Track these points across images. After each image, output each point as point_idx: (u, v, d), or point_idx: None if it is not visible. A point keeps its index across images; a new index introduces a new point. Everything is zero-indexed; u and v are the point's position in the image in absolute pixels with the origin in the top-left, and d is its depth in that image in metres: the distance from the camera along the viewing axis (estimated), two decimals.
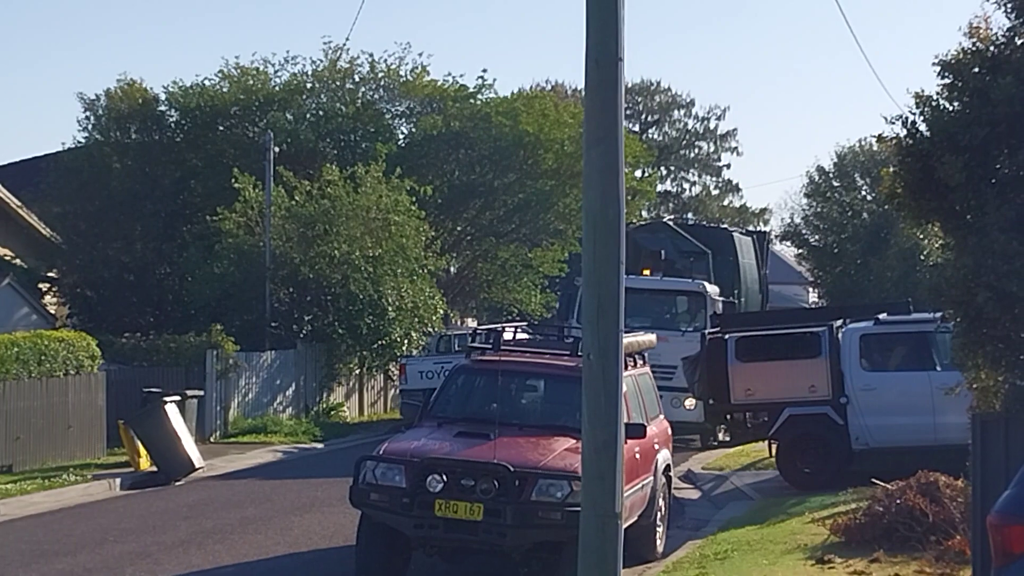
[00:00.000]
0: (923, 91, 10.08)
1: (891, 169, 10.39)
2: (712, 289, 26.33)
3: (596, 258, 10.95)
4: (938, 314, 17.35)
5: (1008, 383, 9.84)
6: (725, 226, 37.79)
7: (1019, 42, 9.86)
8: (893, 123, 10.06)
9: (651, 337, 17.02)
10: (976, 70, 9.79)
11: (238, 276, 31.26)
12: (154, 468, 21.51)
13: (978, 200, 9.60)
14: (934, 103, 9.97)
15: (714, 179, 65.35)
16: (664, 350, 22.28)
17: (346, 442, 28.26)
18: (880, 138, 10.33)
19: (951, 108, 9.88)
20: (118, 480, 20.99)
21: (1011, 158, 9.46)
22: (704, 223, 48.28)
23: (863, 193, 43.17)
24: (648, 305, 25.18)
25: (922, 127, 9.98)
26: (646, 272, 26.66)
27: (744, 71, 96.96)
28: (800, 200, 48.42)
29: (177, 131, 38.16)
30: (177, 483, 21.11)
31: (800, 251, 47.96)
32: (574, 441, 12.57)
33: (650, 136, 62.72)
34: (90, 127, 38.24)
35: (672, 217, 35.27)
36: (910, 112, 10.06)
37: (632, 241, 25.95)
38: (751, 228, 40.52)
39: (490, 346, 14.96)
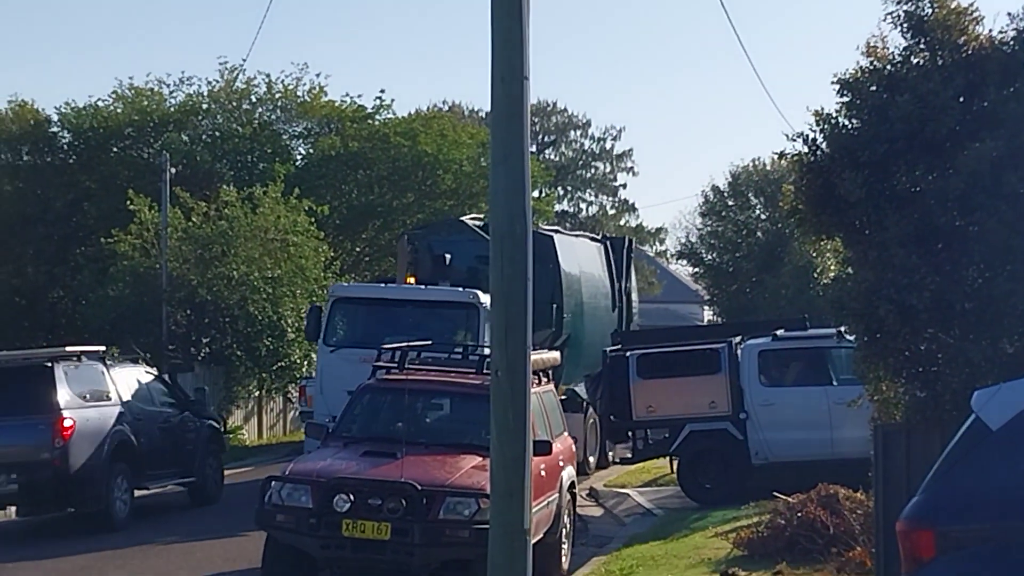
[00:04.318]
0: (822, 109, 10.29)
1: (791, 186, 10.58)
2: (489, 299, 22.78)
3: (504, 275, 10.97)
4: (837, 329, 17.73)
5: (908, 394, 10.05)
6: (546, 228, 29.19)
7: (915, 61, 10.11)
8: (794, 140, 10.27)
9: (555, 354, 17.11)
10: (874, 88, 10.01)
11: (134, 299, 30.85)
12: None
13: (878, 215, 9.81)
14: (833, 120, 10.18)
15: (610, 199, 66.01)
16: None
17: (245, 465, 27.96)
18: (781, 155, 10.53)
19: (850, 125, 10.10)
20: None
21: (909, 174, 9.69)
22: None
23: (757, 212, 43.89)
24: (415, 319, 20.83)
25: (822, 144, 10.18)
26: (410, 280, 22.81)
27: (639, 92, 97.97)
28: (695, 219, 49.15)
29: (70, 153, 37.66)
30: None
31: (696, 270, 48.59)
32: (481, 459, 12.58)
33: (547, 156, 63.13)
34: None
35: (472, 216, 28.19)
36: (810, 129, 10.26)
37: (426, 244, 23.97)
38: (606, 234, 33.50)
39: (395, 365, 14.93)
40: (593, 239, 28.71)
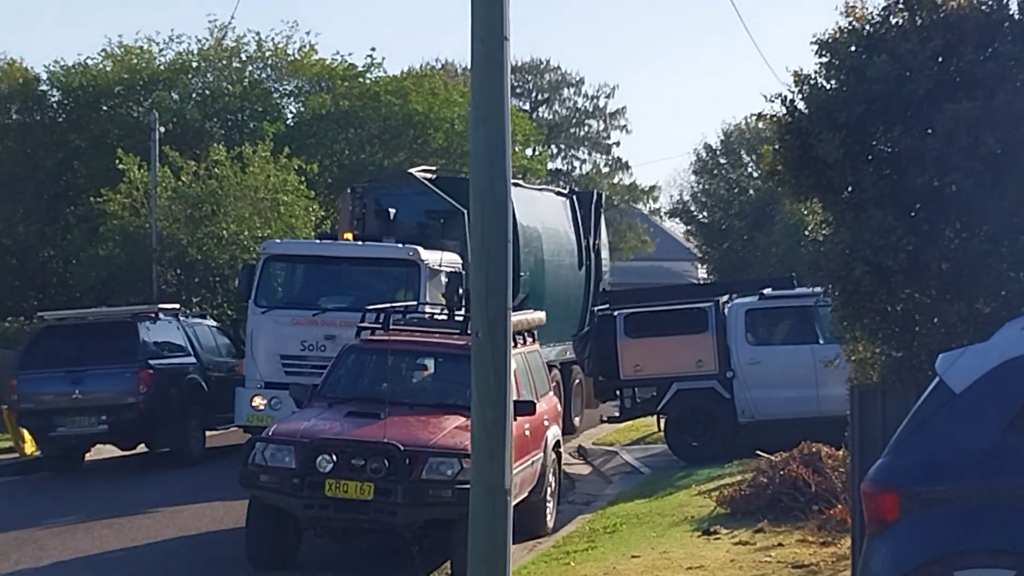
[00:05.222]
0: (801, 70, 10.27)
1: (771, 147, 10.57)
2: (432, 256, 20.10)
3: (484, 235, 10.97)
4: (818, 288, 17.80)
5: (884, 355, 10.08)
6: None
7: (894, 21, 10.09)
8: (772, 101, 10.25)
9: (540, 315, 17.11)
10: (852, 49, 9.99)
11: (124, 258, 30.84)
12: (39, 453, 21.22)
13: (855, 176, 9.81)
14: (812, 81, 10.15)
15: (604, 157, 65.78)
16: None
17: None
18: (760, 116, 10.51)
19: (828, 86, 10.07)
20: (3, 466, 20.67)
21: (886, 135, 9.68)
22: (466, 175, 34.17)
23: (749, 170, 43.88)
24: (353, 278, 19.94)
25: (800, 105, 10.17)
26: (348, 236, 21.29)
27: (632, 49, 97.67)
28: (688, 177, 49.22)
29: (59, 111, 37.55)
30: (150, 447, 20.99)
31: (688, 227, 48.67)
32: (464, 419, 12.62)
33: (540, 115, 62.94)
34: None
35: (422, 168, 25.33)
36: (789, 90, 10.25)
37: (372, 198, 22.85)
38: (575, 188, 30.77)
39: (380, 325, 14.96)
40: (559, 193, 27.01)
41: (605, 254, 27.74)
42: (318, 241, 22.41)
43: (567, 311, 24.59)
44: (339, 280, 19.92)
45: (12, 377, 20.70)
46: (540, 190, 26.45)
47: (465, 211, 21.13)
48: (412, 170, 24.16)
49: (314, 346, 19.06)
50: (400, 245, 20.40)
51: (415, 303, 17.73)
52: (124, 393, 20.13)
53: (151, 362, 20.52)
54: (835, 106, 9.89)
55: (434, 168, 26.37)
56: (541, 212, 24.53)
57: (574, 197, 26.65)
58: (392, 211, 22.10)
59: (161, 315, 21.74)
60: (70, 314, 22.11)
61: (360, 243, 20.83)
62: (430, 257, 20.04)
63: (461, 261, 20.51)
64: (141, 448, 22.42)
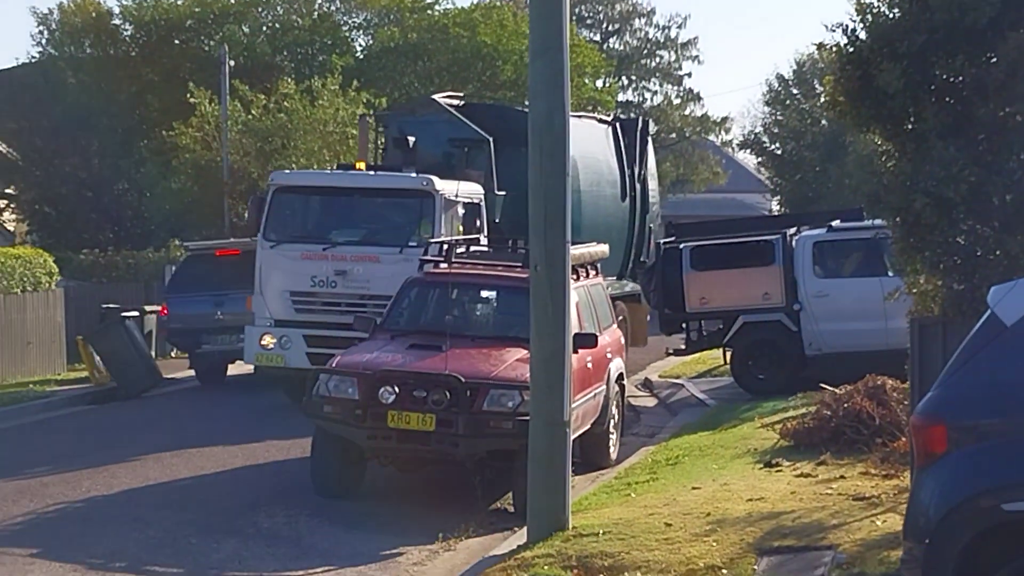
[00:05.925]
0: None
1: (832, 77, 10.46)
2: (448, 187, 18.64)
3: (543, 169, 11.01)
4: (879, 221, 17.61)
5: (946, 287, 10.00)
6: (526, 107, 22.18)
7: None
8: (833, 31, 10.14)
9: (604, 248, 17.05)
10: None
11: (196, 191, 31.19)
12: (114, 384, 21.60)
13: (916, 107, 9.70)
14: (874, 10, 10.03)
15: (675, 88, 65.00)
16: (376, 276, 17.66)
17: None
18: (820, 46, 10.40)
19: (890, 15, 9.94)
20: (78, 396, 21.07)
21: (949, 65, 9.54)
22: (496, 102, 30.09)
23: (822, 100, 43.27)
24: (365, 210, 18.91)
25: (862, 35, 10.04)
26: (360, 166, 19.82)
27: None
28: (760, 108, 48.67)
29: (132, 45, 37.93)
30: (136, 399, 21.21)
31: (760, 159, 48.19)
32: (525, 351, 12.62)
33: (611, 45, 62.41)
34: (43, 42, 38.08)
35: (448, 94, 23.95)
36: (851, 20, 10.13)
37: (395, 126, 21.79)
38: (618, 115, 28.99)
39: (442, 258, 15.01)
40: (601, 121, 24.67)
41: (653, 184, 25.85)
42: (329, 172, 21.80)
43: (609, 244, 23.57)
44: (351, 212, 18.93)
45: (162, 301, 23.12)
46: (579, 117, 24.22)
47: (491, 140, 20.56)
48: (436, 96, 23.03)
49: (324, 282, 18.22)
50: (414, 175, 18.96)
51: (445, 237, 16.80)
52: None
53: None
54: (897, 35, 9.75)
55: (461, 95, 25.25)
56: (578, 141, 21.48)
57: (617, 124, 24.57)
58: (412, 139, 20.61)
59: None
60: (212, 244, 24.45)
61: (372, 173, 19.51)
62: (446, 187, 18.66)
63: (482, 192, 19.77)
64: None
